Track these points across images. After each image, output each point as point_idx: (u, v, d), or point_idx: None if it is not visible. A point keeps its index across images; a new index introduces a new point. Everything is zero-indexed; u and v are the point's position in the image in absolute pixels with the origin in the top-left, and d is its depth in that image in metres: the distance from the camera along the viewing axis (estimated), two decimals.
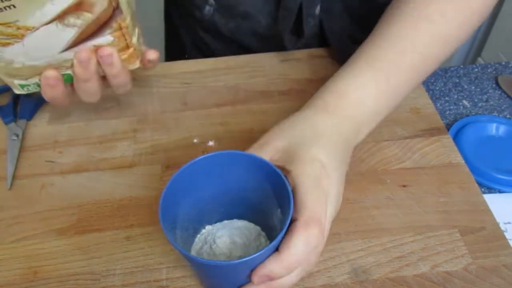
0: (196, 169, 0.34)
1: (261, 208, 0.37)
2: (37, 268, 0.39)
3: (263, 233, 0.39)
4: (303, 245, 0.31)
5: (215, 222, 0.40)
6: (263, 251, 0.30)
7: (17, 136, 0.50)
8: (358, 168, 0.46)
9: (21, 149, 0.49)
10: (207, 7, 0.60)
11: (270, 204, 0.36)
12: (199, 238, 0.39)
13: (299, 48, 0.60)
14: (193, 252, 0.38)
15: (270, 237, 0.38)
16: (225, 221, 0.40)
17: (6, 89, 0.55)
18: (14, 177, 0.46)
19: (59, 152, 0.49)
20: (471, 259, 0.39)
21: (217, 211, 0.39)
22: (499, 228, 0.41)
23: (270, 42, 0.61)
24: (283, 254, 0.31)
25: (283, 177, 0.33)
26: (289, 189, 0.32)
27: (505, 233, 0.41)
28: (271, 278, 0.32)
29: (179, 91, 0.55)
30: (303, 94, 0.54)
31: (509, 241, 0.40)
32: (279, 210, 0.35)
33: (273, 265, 0.31)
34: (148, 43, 0.43)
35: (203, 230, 0.39)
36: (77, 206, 0.44)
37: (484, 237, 0.40)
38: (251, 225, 0.39)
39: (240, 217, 0.40)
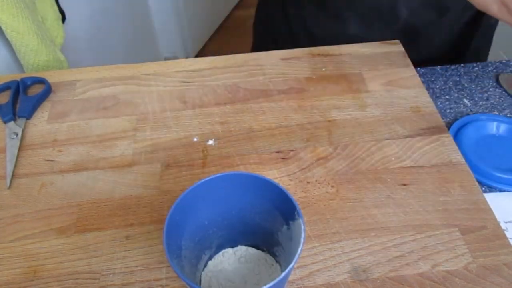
0: (197, 194, 0.33)
1: (263, 226, 0.37)
2: (36, 267, 0.39)
3: (268, 256, 0.39)
4: None
5: (215, 248, 0.39)
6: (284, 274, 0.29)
7: (16, 135, 0.50)
8: (358, 167, 0.46)
9: (20, 148, 0.49)
10: None
11: (274, 221, 0.35)
12: (204, 279, 0.38)
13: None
14: None
15: (272, 253, 0.38)
16: (227, 252, 0.39)
17: (6, 87, 0.55)
18: (13, 176, 0.46)
19: (58, 151, 0.49)
20: (472, 258, 0.39)
21: (217, 234, 0.38)
22: (500, 227, 0.41)
23: (448, 15, 0.58)
24: None
25: (287, 193, 0.32)
26: (296, 204, 0.32)
27: (505, 232, 0.41)
28: None
29: (179, 90, 0.55)
30: (303, 93, 0.54)
31: (509, 240, 0.40)
32: (284, 226, 0.34)
33: None
34: None
35: (206, 269, 0.38)
36: (76, 205, 0.44)
37: (484, 236, 0.40)
38: (254, 250, 0.39)
39: (241, 239, 0.39)
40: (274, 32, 0.71)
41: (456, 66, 0.62)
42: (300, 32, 0.67)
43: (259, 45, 0.76)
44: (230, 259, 0.39)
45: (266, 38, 0.73)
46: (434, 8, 0.59)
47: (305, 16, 0.65)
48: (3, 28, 0.61)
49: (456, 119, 0.54)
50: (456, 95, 0.58)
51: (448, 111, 0.56)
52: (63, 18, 0.69)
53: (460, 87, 0.59)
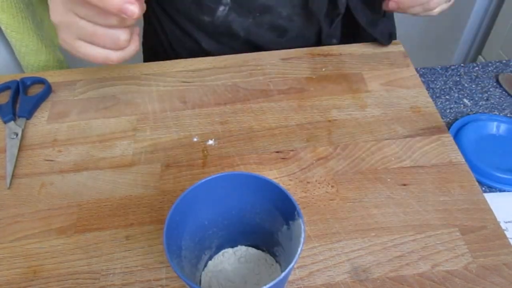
0: (197, 194, 0.33)
1: (263, 226, 0.37)
2: (36, 267, 0.39)
3: (268, 256, 0.39)
4: None
5: (215, 248, 0.39)
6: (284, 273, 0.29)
7: (16, 135, 0.50)
8: (358, 167, 0.46)
9: (20, 148, 0.49)
10: (221, 8, 0.59)
11: (274, 221, 0.35)
12: (204, 279, 0.38)
13: (331, 35, 0.60)
14: None
15: (272, 253, 0.38)
16: (227, 252, 0.39)
17: (5, 87, 0.55)
18: (13, 176, 0.46)
19: (58, 151, 0.49)
20: (472, 258, 0.39)
21: (217, 234, 0.38)
22: (500, 227, 0.41)
23: (288, 34, 0.60)
24: None
25: (287, 193, 0.32)
26: (296, 204, 0.31)
27: (505, 232, 0.41)
28: (398, 7, 0.48)
29: (178, 90, 0.55)
30: (303, 93, 0.54)
31: (509, 240, 0.40)
32: (284, 226, 0.34)
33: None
34: None
35: (206, 269, 0.38)
36: (76, 205, 0.44)
37: (484, 236, 0.40)
38: (254, 250, 0.39)
39: (241, 239, 0.39)
40: (156, 46, 0.72)
41: (456, 66, 0.62)
42: (172, 48, 0.69)
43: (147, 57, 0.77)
44: (230, 259, 0.39)
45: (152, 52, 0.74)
46: (269, 29, 0.61)
47: (168, 33, 0.68)
48: (3, 28, 0.61)
49: (456, 119, 0.54)
50: (456, 95, 0.58)
51: (448, 111, 0.56)
52: None
53: (460, 87, 0.59)
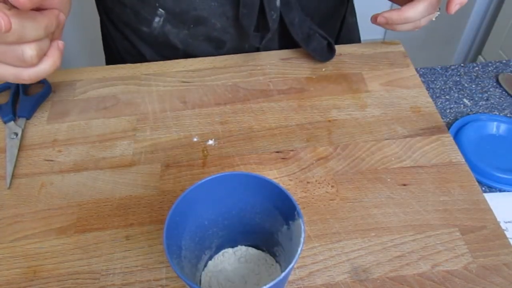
0: (197, 194, 0.33)
1: (263, 226, 0.37)
2: (36, 267, 0.39)
3: (268, 256, 0.39)
4: (423, 8, 0.47)
5: (215, 248, 0.39)
6: (283, 274, 0.28)
7: (16, 135, 0.50)
8: (358, 167, 0.46)
9: (20, 148, 0.49)
10: (157, 19, 0.58)
11: (274, 221, 0.35)
12: (204, 279, 0.38)
13: (266, 47, 0.60)
14: None
15: (272, 253, 0.38)
16: (227, 252, 0.39)
17: (6, 87, 0.55)
18: (13, 176, 0.46)
19: (58, 151, 0.49)
20: (472, 258, 0.39)
21: (217, 234, 0.38)
22: (500, 227, 0.41)
23: (226, 46, 0.60)
24: (404, 9, 0.46)
25: (287, 193, 0.32)
26: (296, 204, 0.31)
27: (505, 232, 0.41)
28: (387, 23, 0.49)
29: (179, 90, 0.55)
30: (303, 93, 0.54)
31: (509, 240, 0.40)
32: (284, 226, 0.34)
33: (393, 14, 0.47)
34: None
35: (206, 269, 0.38)
36: (76, 205, 0.44)
37: (484, 236, 0.40)
38: (254, 250, 0.39)
39: (241, 239, 0.39)
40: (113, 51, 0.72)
41: (456, 66, 0.62)
42: (121, 57, 0.68)
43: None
44: (230, 259, 0.39)
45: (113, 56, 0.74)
46: (204, 41, 0.60)
47: (116, 43, 0.67)
48: None
49: (456, 119, 0.54)
50: (456, 95, 0.58)
51: (448, 111, 0.56)
52: None
53: (460, 87, 0.59)
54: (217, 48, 0.61)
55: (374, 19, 0.52)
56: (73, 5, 0.44)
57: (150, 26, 0.59)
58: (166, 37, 0.60)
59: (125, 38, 0.65)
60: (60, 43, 0.41)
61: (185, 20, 0.58)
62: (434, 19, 0.51)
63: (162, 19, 0.58)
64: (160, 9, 0.57)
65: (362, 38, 0.76)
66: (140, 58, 0.65)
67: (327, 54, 0.58)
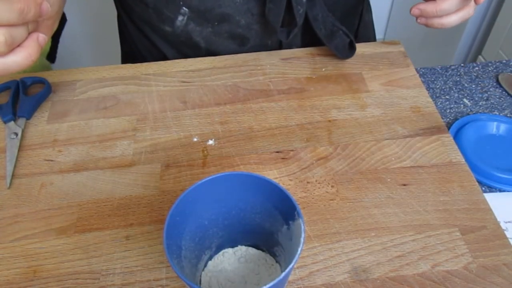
0: (197, 194, 0.33)
1: (263, 226, 0.37)
2: (36, 267, 0.39)
3: (268, 256, 0.39)
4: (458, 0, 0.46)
5: (215, 248, 0.39)
6: (283, 274, 0.28)
7: (16, 135, 0.50)
8: (358, 167, 0.46)
9: (20, 148, 0.49)
10: (180, 18, 0.58)
11: (274, 221, 0.35)
12: (204, 279, 0.38)
13: (290, 43, 0.60)
14: None
15: (272, 253, 0.38)
16: (227, 252, 0.39)
17: (6, 87, 0.55)
18: (13, 176, 0.46)
19: (58, 151, 0.49)
20: (472, 258, 0.39)
21: (217, 234, 0.38)
22: (500, 227, 0.41)
23: (249, 43, 0.60)
24: (440, 1, 0.46)
25: (287, 193, 0.32)
26: (296, 204, 0.31)
27: (505, 232, 0.41)
28: (421, 15, 0.48)
29: (179, 90, 0.55)
30: (303, 93, 0.54)
31: (509, 240, 0.40)
32: (284, 226, 0.34)
33: (428, 6, 0.47)
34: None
35: (206, 269, 0.38)
36: (76, 205, 0.44)
37: (484, 236, 0.40)
38: (254, 250, 0.39)
39: (241, 239, 0.39)
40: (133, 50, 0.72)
41: (456, 66, 0.62)
42: (142, 56, 0.68)
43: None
44: (230, 259, 0.39)
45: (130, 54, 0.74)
46: (228, 38, 0.60)
47: (136, 42, 0.67)
48: None
49: (456, 119, 0.54)
50: (456, 95, 0.58)
51: (448, 111, 0.56)
52: (64, 21, 0.69)
53: (460, 87, 0.59)
54: (241, 45, 0.61)
55: (414, 11, 0.50)
56: (75, 2, 0.43)
57: (173, 25, 0.59)
58: (188, 36, 0.60)
59: (144, 36, 0.64)
60: (40, 35, 0.37)
61: (209, 17, 0.58)
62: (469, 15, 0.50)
63: (185, 17, 0.58)
64: (184, 8, 0.56)
65: None
66: (160, 56, 0.64)
67: (348, 52, 0.58)
